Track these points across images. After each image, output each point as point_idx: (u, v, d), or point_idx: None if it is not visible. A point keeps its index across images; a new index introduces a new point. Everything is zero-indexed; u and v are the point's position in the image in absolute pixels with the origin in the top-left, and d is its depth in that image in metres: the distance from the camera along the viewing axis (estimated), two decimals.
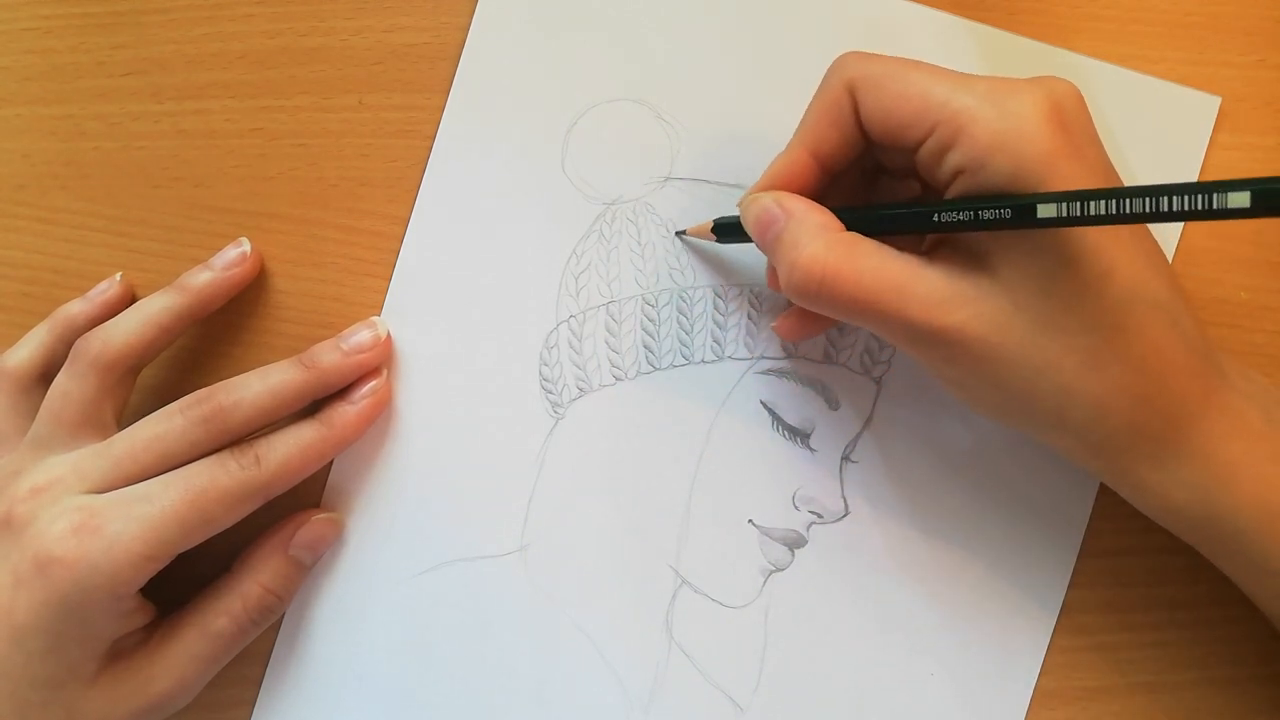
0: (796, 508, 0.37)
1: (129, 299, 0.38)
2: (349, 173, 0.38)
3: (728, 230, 0.35)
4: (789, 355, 0.37)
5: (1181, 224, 0.37)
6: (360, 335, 0.37)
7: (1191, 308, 0.31)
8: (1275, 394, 0.33)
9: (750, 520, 0.37)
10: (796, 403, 0.37)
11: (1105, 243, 0.29)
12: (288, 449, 0.34)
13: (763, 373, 0.37)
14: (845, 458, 0.37)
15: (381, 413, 0.37)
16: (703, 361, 0.37)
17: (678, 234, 0.37)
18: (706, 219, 0.36)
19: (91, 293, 0.38)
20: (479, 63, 0.38)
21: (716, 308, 0.37)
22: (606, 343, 0.37)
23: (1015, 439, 0.37)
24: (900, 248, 0.31)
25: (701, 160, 0.37)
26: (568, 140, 0.38)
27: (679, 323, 0.37)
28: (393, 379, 0.38)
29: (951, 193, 0.30)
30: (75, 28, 0.39)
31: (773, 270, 0.34)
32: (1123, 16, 0.38)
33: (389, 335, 0.37)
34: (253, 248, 0.38)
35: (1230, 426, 0.30)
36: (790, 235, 0.31)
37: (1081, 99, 0.30)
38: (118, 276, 0.38)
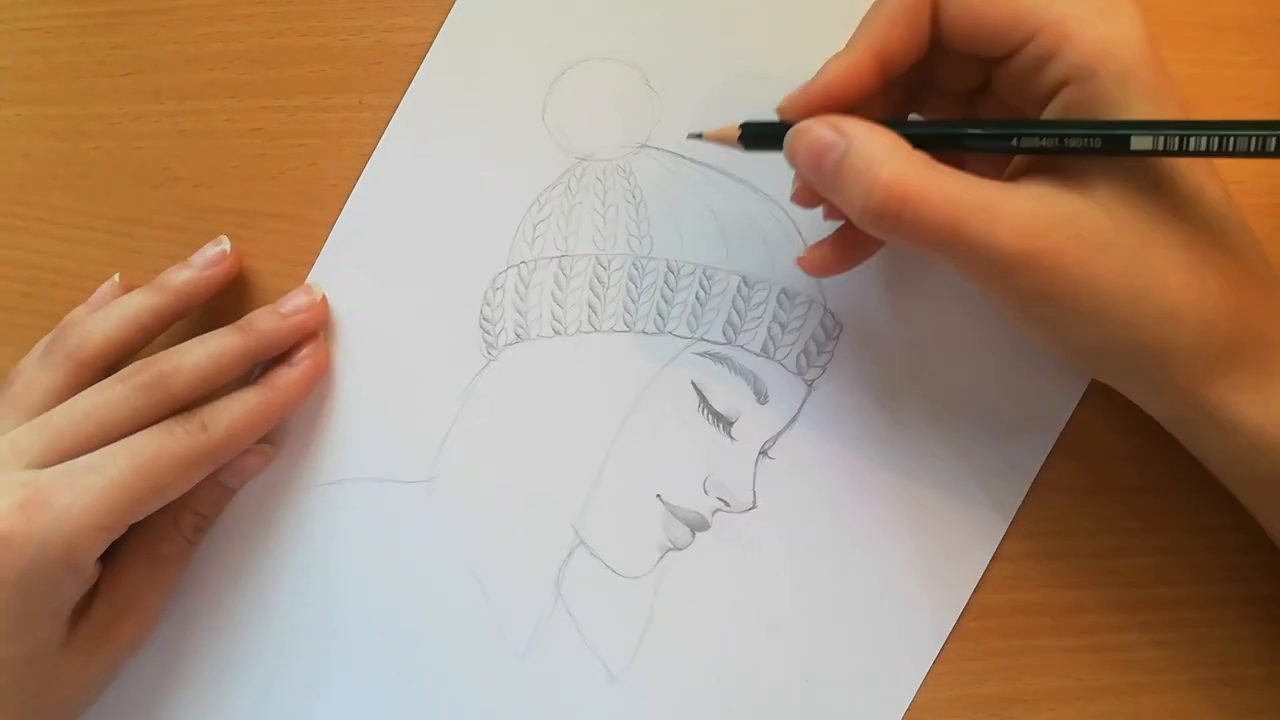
0: (706, 492, 0.37)
1: None
2: (349, 173, 0.38)
3: (760, 138, 0.31)
4: (729, 342, 0.37)
5: None
6: (296, 299, 0.37)
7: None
8: None
9: (658, 495, 0.37)
10: (727, 389, 0.37)
11: (1192, 163, 0.28)
12: (233, 414, 0.34)
13: (699, 354, 0.37)
14: (763, 452, 0.37)
15: (322, 373, 0.37)
16: (643, 332, 0.37)
17: (691, 136, 0.33)
18: (679, 192, 0.36)
19: (94, 298, 0.38)
20: (475, 3, 0.38)
21: (667, 281, 0.37)
22: (553, 295, 0.37)
23: (936, 461, 0.37)
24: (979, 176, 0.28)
25: (681, 134, 0.37)
26: (552, 89, 0.38)
27: (627, 289, 0.37)
28: (340, 299, 0.38)
29: (1051, 109, 0.28)
30: (75, 28, 0.39)
31: (800, 194, 0.32)
32: None
33: (324, 297, 0.37)
34: (233, 246, 0.38)
35: None
36: (859, 158, 0.28)
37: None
38: (116, 277, 0.38)
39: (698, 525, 0.37)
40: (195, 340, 0.35)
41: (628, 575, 0.37)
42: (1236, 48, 0.37)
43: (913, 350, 0.37)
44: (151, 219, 0.39)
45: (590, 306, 0.37)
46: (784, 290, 0.37)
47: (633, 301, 0.37)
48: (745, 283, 0.37)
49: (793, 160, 0.30)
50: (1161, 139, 0.25)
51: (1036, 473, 0.37)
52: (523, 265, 0.38)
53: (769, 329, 0.37)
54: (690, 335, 0.37)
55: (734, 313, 0.37)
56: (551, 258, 0.37)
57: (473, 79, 0.38)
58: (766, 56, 0.37)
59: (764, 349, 0.37)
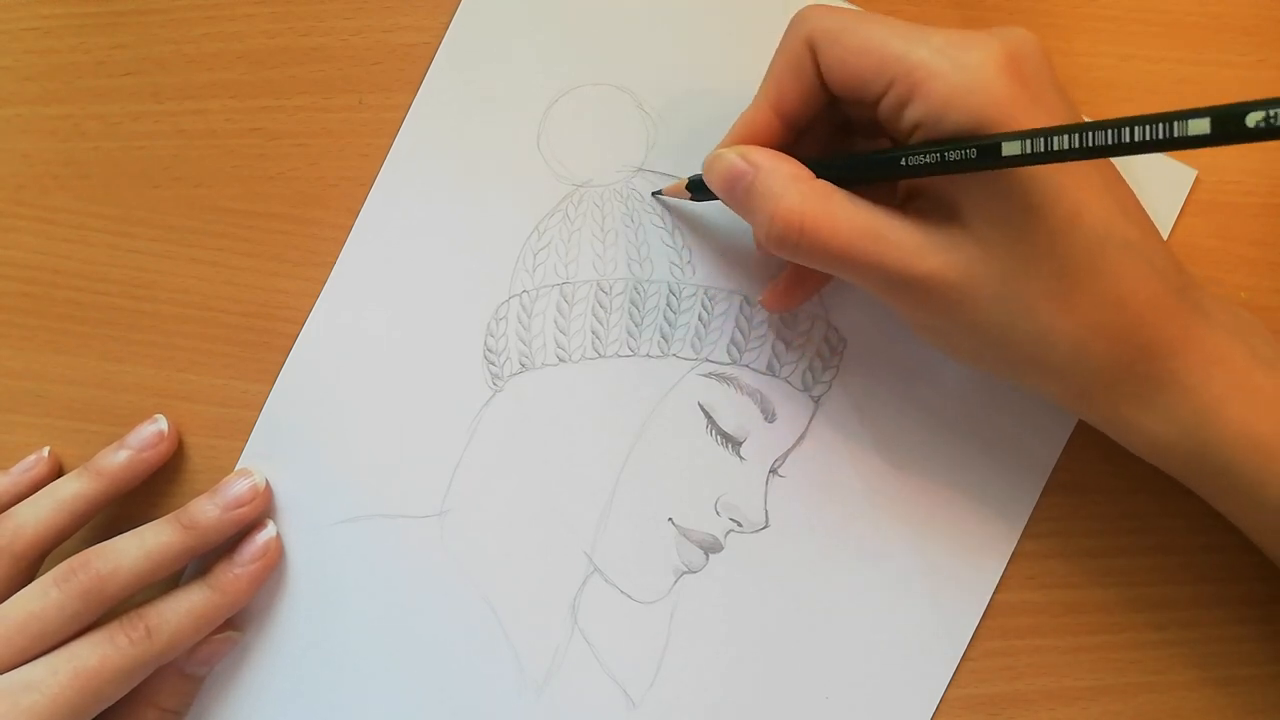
0: (718, 513, 0.37)
1: (56, 474, 0.37)
2: (349, 173, 0.38)
3: (702, 187, 0.34)
4: (734, 362, 0.37)
5: (1173, 220, 0.37)
6: (238, 488, 0.36)
7: (1167, 248, 0.31)
8: (1261, 329, 0.33)
9: (670, 519, 0.37)
10: (734, 409, 0.37)
11: (1071, 186, 0.29)
12: (179, 618, 0.34)
13: (705, 375, 0.37)
14: (773, 471, 0.37)
15: (272, 570, 0.37)
16: (648, 355, 0.37)
17: (654, 194, 0.37)
18: (678, 214, 0.37)
19: (15, 469, 0.37)
20: (467, 32, 0.38)
21: (669, 304, 0.37)
22: (555, 323, 0.37)
23: (945, 473, 0.37)
24: (873, 201, 0.30)
25: (676, 156, 0.38)
26: (546, 117, 0.38)
27: (630, 314, 0.37)
28: (345, 337, 0.38)
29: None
30: (75, 28, 0.39)
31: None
32: (1123, 16, 0.38)
33: (266, 486, 0.37)
34: (170, 426, 0.37)
35: (1213, 360, 0.30)
36: (763, 187, 0.31)
37: (1040, 47, 0.30)
38: (45, 452, 0.37)
39: (711, 547, 0.37)
40: (133, 536, 0.34)
41: (643, 600, 0.37)
42: (1236, 48, 0.37)
43: (917, 362, 0.37)
44: (151, 219, 0.39)
45: (594, 333, 0.37)
46: None
47: (636, 325, 0.37)
48: (747, 302, 0.37)
49: (711, 185, 0.33)
50: (1028, 143, 0.26)
51: (1047, 478, 0.37)
52: (525, 294, 0.37)
53: (773, 347, 0.37)
54: (695, 357, 0.37)
55: (738, 332, 0.37)
56: (553, 285, 0.37)
57: (466, 112, 0.38)
58: (756, 77, 0.37)
59: (769, 367, 0.37)
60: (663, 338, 0.37)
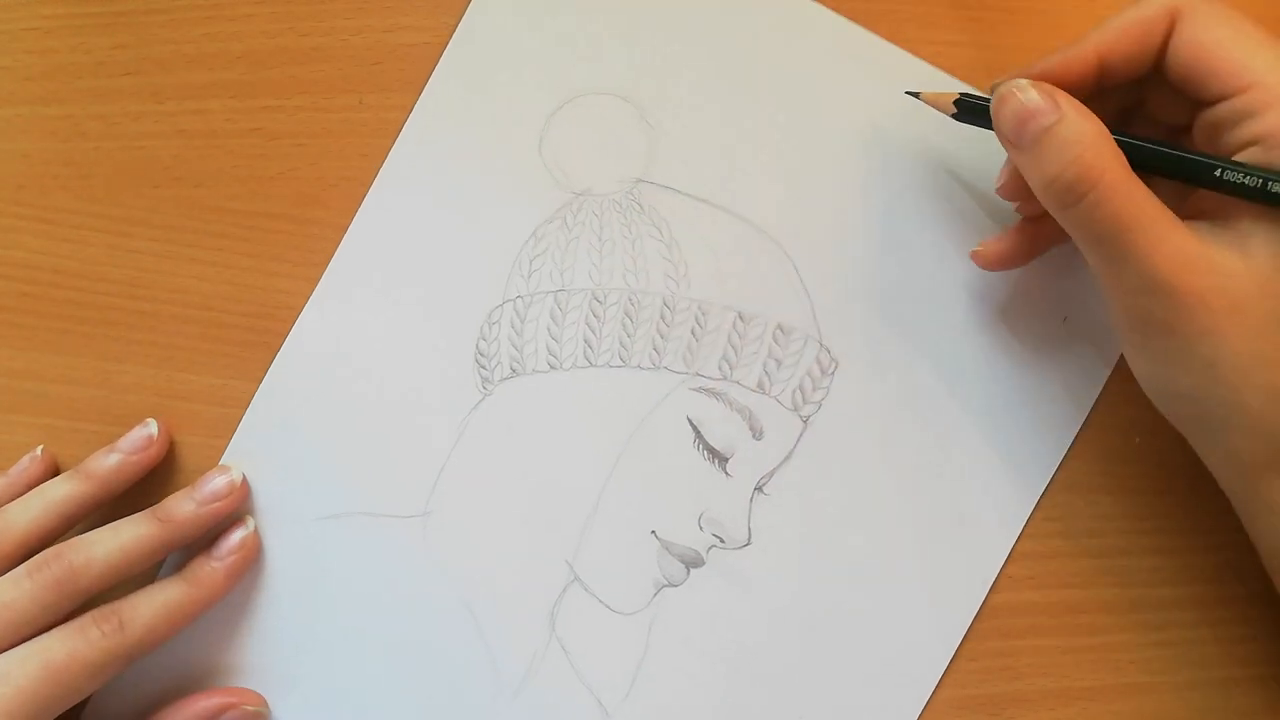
0: (701, 528, 0.37)
1: (51, 473, 0.37)
2: (349, 173, 0.38)
3: (973, 111, 0.33)
4: (724, 377, 0.37)
5: None
6: (215, 483, 0.36)
7: None
8: None
9: (653, 531, 0.37)
10: (722, 425, 0.37)
11: None
12: (153, 611, 0.34)
13: (695, 389, 0.37)
14: (758, 488, 0.37)
15: (250, 567, 0.36)
16: (639, 367, 0.37)
17: (909, 93, 0.35)
18: (682, 227, 0.37)
19: (12, 471, 0.37)
20: (473, 36, 0.38)
21: (663, 317, 0.37)
22: (548, 330, 0.37)
23: (932, 503, 0.37)
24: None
25: (677, 169, 0.38)
26: (548, 124, 0.38)
27: (623, 324, 0.37)
28: (340, 332, 0.38)
29: (1238, 158, 0.29)
30: (75, 28, 0.39)
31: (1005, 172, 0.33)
32: None
33: (244, 480, 0.37)
34: (160, 429, 0.37)
35: None
36: (1066, 133, 0.29)
37: None
38: (38, 451, 0.37)
39: (693, 562, 0.37)
40: (108, 529, 0.34)
41: (622, 611, 0.37)
42: None
43: (908, 387, 0.37)
44: (151, 219, 0.39)
45: (586, 341, 0.37)
46: (779, 326, 0.37)
47: (628, 336, 0.37)
48: (741, 318, 0.37)
49: (999, 114, 0.31)
50: None
51: (1032, 508, 0.37)
52: (519, 300, 0.37)
53: (764, 365, 0.37)
54: (686, 371, 0.37)
55: (729, 348, 0.37)
56: (547, 292, 0.37)
57: (468, 115, 0.38)
58: (762, 91, 0.38)
59: (759, 384, 0.37)
60: (654, 350, 0.37)
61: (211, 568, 0.36)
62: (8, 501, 0.36)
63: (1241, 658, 0.37)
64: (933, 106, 0.34)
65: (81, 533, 0.35)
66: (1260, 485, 0.30)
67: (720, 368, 0.37)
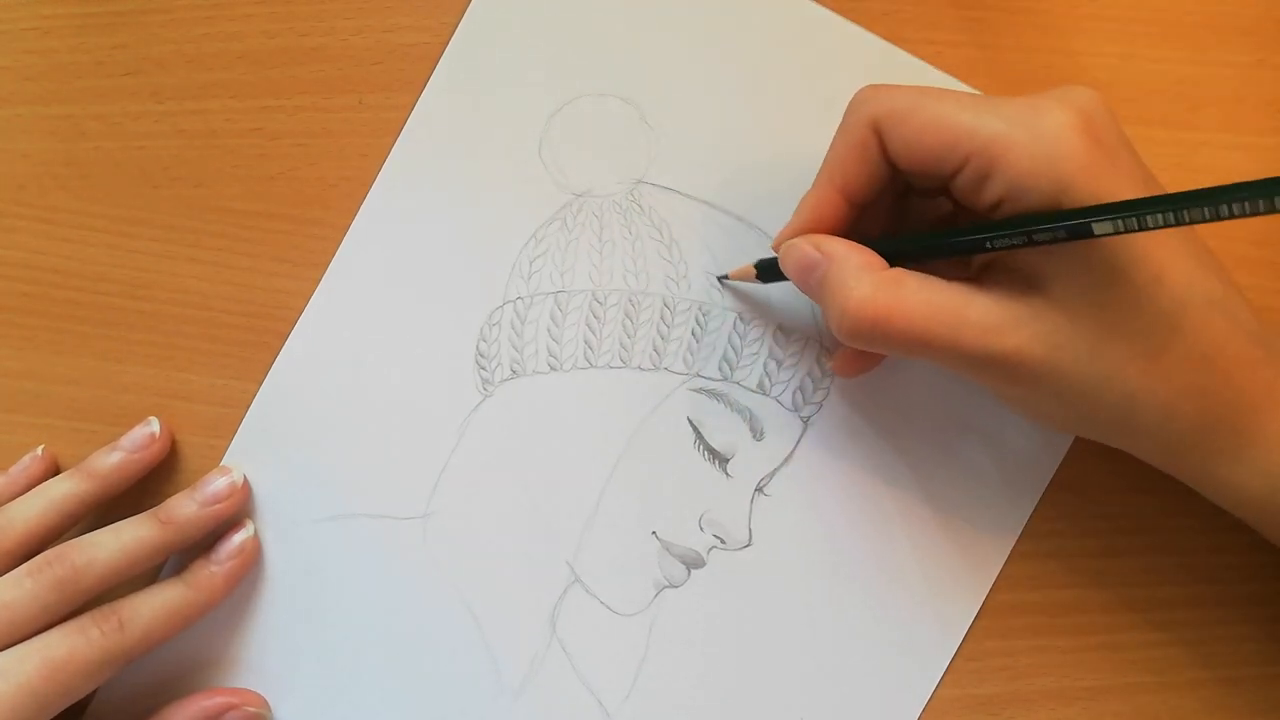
0: (701, 529, 0.37)
1: (52, 472, 0.37)
2: (349, 173, 0.38)
3: (770, 271, 0.34)
4: (725, 378, 0.37)
5: None
6: (216, 485, 0.36)
7: (1243, 297, 0.30)
8: None
9: (654, 532, 0.37)
10: (723, 426, 0.37)
11: (1152, 248, 0.29)
12: (153, 613, 0.34)
13: (695, 390, 0.37)
14: (759, 489, 0.37)
15: (249, 571, 0.37)
16: (639, 368, 0.37)
17: (719, 279, 0.37)
18: (675, 228, 0.37)
19: (13, 469, 0.37)
20: (473, 36, 0.38)
21: (663, 318, 0.37)
22: (549, 331, 0.37)
23: (933, 504, 0.37)
24: (946, 275, 0.30)
25: (677, 170, 0.38)
26: (548, 125, 0.38)
27: (624, 325, 0.37)
28: (340, 333, 0.38)
29: (997, 217, 0.29)
30: (75, 28, 0.39)
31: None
32: (1123, 16, 0.38)
33: (245, 482, 0.37)
34: (162, 427, 0.37)
35: None
36: (834, 279, 0.30)
37: (1106, 104, 0.29)
38: (39, 450, 0.37)
39: (693, 563, 0.37)
40: (110, 530, 0.34)
41: (623, 612, 0.37)
42: (1236, 48, 0.37)
43: (908, 388, 0.37)
44: (151, 219, 0.39)
45: (586, 342, 0.37)
46: (780, 327, 0.37)
47: (629, 337, 0.37)
48: (741, 319, 0.37)
49: (787, 273, 0.33)
50: (1120, 221, 0.26)
51: (1032, 508, 0.37)
52: (519, 301, 0.38)
53: (765, 365, 0.37)
54: (686, 371, 0.37)
55: (730, 349, 0.37)
56: (548, 293, 0.37)
57: (468, 115, 0.38)
58: (761, 93, 0.38)
59: (760, 385, 0.37)
60: (655, 351, 0.37)
61: (211, 572, 0.36)
62: (9, 500, 0.36)
63: (1242, 658, 0.37)
64: (743, 280, 0.36)
65: (82, 532, 0.35)
66: (1180, 469, 0.32)
67: (721, 368, 0.37)
